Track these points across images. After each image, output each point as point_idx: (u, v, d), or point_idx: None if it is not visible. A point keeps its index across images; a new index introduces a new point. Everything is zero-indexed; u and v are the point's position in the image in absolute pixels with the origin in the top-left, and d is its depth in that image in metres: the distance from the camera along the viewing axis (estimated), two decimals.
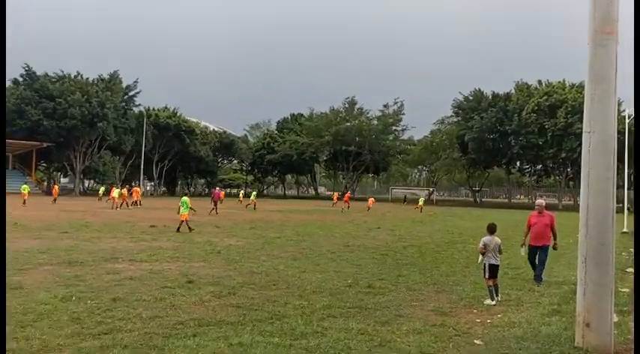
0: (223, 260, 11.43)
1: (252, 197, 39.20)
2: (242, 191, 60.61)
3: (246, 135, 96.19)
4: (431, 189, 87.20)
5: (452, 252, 14.30)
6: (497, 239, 7.95)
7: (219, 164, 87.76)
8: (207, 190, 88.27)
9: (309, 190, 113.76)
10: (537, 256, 9.75)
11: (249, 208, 36.65)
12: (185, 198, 18.62)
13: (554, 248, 9.76)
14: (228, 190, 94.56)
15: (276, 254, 12.69)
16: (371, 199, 44.58)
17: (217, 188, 39.60)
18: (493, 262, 7.87)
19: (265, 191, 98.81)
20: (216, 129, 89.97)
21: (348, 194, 48.31)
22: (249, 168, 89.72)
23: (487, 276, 7.88)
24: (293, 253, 12.93)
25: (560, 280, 10.13)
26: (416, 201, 48.65)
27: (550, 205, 62.23)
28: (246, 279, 9.20)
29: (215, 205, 30.57)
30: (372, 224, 24.79)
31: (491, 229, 8.06)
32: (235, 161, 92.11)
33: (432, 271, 10.73)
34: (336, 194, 54.22)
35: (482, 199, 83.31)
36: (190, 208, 18.18)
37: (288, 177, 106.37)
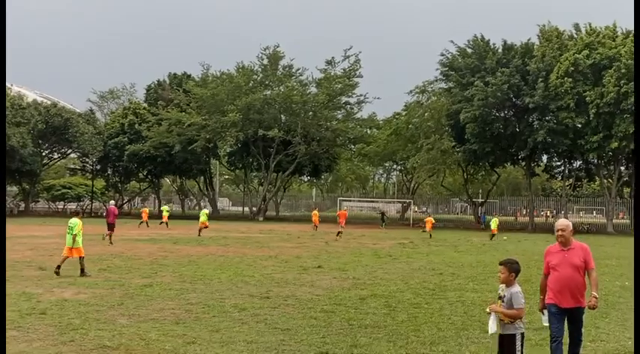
0: (51, 327, 11.20)
1: (202, 218, 42.35)
2: (166, 207, 61.17)
3: (91, 110, 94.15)
4: (406, 201, 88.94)
5: (440, 305, 14.62)
6: (513, 288, 7.82)
7: (45, 160, 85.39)
8: (21, 205, 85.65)
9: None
10: (568, 325, 8.82)
11: (200, 235, 39.30)
12: (75, 220, 19.42)
13: (591, 307, 8.66)
14: (61, 206, 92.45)
15: (145, 314, 12.58)
16: (430, 220, 49.13)
17: (112, 202, 43.16)
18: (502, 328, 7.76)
19: (126, 207, 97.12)
20: (39, 99, 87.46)
21: (344, 212, 51.78)
22: (98, 167, 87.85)
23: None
24: (174, 312, 12.85)
25: (610, 346, 10.63)
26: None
27: (596, 227, 65.20)
28: None
29: (111, 229, 32.78)
30: (309, 261, 24.91)
31: (516, 268, 7.91)
32: (73, 155, 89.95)
33: (407, 338, 10.91)
34: (316, 213, 55.26)
35: (489, 217, 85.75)
36: (75, 235, 19.03)
37: (167, 182, 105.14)
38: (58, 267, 18.49)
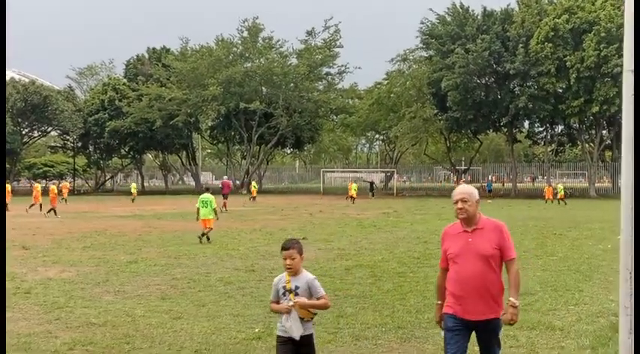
0: (37, 305, 11.19)
1: (352, 191, 52.44)
2: (254, 182, 62.63)
3: (70, 87, 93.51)
4: (389, 170, 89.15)
5: (425, 273, 14.65)
6: (306, 275, 6.17)
7: (25, 139, 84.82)
8: None
9: (185, 178, 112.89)
10: (478, 344, 5.78)
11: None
12: (207, 195, 22.33)
13: (507, 321, 5.51)
14: (44, 184, 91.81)
15: (131, 291, 12.56)
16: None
17: (225, 177, 51.33)
18: (285, 331, 5.96)
19: (110, 184, 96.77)
20: (17, 77, 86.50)
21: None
22: (79, 144, 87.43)
23: None
24: (160, 288, 12.84)
25: (593, 309, 10.71)
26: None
27: (577, 191, 65.53)
28: (79, 336, 9.02)
29: (225, 198, 41.11)
30: (293, 233, 24.82)
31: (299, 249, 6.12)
32: (54, 133, 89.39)
33: (393, 307, 10.95)
34: (355, 186, 56.79)
35: (473, 184, 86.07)
36: (214, 210, 22.33)
37: (149, 157, 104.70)
38: (208, 238, 21.28)
